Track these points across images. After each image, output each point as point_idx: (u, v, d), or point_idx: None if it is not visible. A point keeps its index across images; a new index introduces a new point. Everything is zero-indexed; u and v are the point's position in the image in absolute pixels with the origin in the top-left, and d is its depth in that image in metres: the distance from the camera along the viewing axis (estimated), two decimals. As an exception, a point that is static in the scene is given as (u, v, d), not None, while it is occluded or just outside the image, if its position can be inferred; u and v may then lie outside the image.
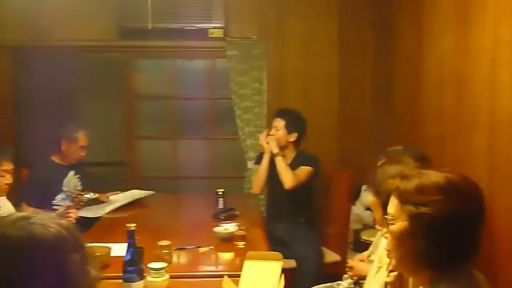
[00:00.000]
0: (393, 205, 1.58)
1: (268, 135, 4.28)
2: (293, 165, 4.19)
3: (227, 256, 3.10)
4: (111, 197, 4.27)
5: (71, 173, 4.21)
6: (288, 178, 4.09)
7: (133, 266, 2.30)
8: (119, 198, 4.25)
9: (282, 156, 4.18)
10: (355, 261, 2.99)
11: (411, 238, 1.53)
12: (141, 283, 2.31)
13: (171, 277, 2.55)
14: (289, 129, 4.25)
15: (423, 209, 1.50)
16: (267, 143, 4.25)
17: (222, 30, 4.95)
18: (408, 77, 4.34)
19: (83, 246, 1.22)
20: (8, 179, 3.30)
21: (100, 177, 5.07)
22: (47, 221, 1.18)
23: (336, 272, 3.69)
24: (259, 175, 4.33)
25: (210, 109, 5.35)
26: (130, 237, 2.31)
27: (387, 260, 2.21)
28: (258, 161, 4.43)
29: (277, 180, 4.16)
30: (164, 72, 5.40)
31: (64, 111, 5.11)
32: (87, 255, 1.22)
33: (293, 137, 4.26)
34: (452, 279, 1.50)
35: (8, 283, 1.10)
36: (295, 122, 4.28)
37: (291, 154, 4.27)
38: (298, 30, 5.05)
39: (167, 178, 5.38)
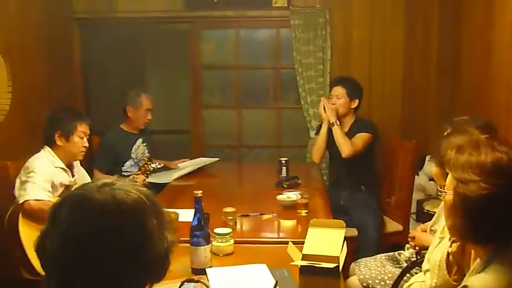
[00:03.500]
0: (448, 177, 1.60)
1: (328, 103, 4.28)
2: (351, 131, 4.22)
3: (289, 223, 3.16)
4: (179, 165, 4.40)
5: (140, 140, 4.36)
6: (345, 146, 4.11)
7: (200, 230, 2.39)
8: (186, 165, 4.37)
9: (338, 125, 4.19)
10: (417, 232, 2.99)
11: (455, 212, 1.56)
12: (208, 247, 2.40)
13: (236, 242, 2.64)
14: (351, 96, 4.26)
15: (461, 187, 1.52)
16: (325, 111, 4.26)
17: (286, -1, 4.95)
18: (477, 44, 4.22)
19: (161, 212, 1.31)
20: (85, 142, 3.44)
21: (165, 145, 5.23)
22: (128, 187, 1.28)
23: (398, 241, 3.71)
24: (317, 144, 4.39)
25: (273, 78, 5.39)
26: (197, 203, 2.40)
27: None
28: (318, 131, 4.47)
29: (336, 148, 4.18)
30: (229, 42, 5.45)
31: (132, 81, 5.27)
32: (165, 221, 1.31)
33: (355, 103, 4.28)
34: (505, 256, 1.50)
35: (92, 242, 1.20)
36: (355, 88, 4.29)
37: (350, 120, 4.29)
38: (363, -2, 4.99)
39: (231, 147, 5.48)
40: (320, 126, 4.44)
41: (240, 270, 2.35)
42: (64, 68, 4.99)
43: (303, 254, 1.49)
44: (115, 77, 5.25)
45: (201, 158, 4.56)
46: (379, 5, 4.98)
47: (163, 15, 5.14)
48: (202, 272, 2.34)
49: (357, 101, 4.28)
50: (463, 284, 1.51)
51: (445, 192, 1.61)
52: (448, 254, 2.17)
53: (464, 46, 4.56)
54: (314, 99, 4.99)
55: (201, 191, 2.43)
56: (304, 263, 1.44)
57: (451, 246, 2.17)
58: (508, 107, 3.48)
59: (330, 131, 4.26)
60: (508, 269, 1.47)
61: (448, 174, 1.70)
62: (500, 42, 3.71)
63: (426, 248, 2.60)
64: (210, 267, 2.38)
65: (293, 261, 1.54)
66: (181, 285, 1.89)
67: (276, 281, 1.58)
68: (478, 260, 1.59)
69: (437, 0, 4.93)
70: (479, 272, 1.53)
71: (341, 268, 1.47)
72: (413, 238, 2.96)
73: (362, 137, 4.17)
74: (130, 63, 5.38)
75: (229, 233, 2.61)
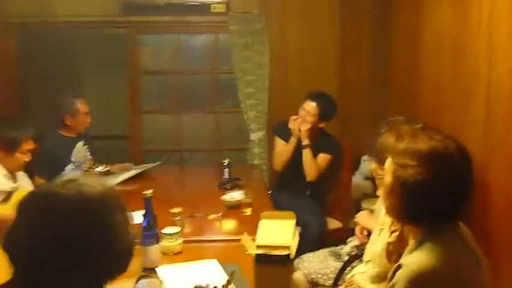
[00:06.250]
0: (388, 161, 1.72)
1: (301, 120, 4.21)
2: (314, 146, 4.21)
3: (234, 222, 3.25)
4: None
5: (80, 143, 4.33)
6: (312, 171, 4.16)
7: (150, 231, 2.43)
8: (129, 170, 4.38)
9: (310, 148, 4.18)
10: (361, 215, 3.14)
11: (392, 193, 1.69)
12: (158, 246, 2.45)
13: (183, 242, 2.71)
14: (323, 117, 4.21)
15: (400, 171, 1.65)
16: (299, 130, 4.21)
17: (224, 5, 5.03)
18: (406, 48, 4.43)
19: (124, 206, 1.35)
20: (28, 157, 3.43)
21: (105, 150, 5.20)
22: (93, 182, 1.31)
23: (339, 237, 3.84)
24: (284, 155, 4.31)
25: (213, 83, 5.45)
26: (146, 204, 2.45)
27: (389, 222, 2.36)
28: (279, 132, 4.42)
29: (294, 157, 4.23)
30: (168, 47, 5.47)
31: (70, 86, 5.21)
32: (128, 215, 1.35)
33: (323, 124, 4.24)
34: (437, 236, 1.64)
35: (60, 237, 1.23)
36: (330, 110, 4.23)
37: (313, 133, 4.26)
38: (299, 3, 5.12)
39: (171, 151, 5.50)
40: (281, 125, 4.40)
41: (190, 267, 2.41)
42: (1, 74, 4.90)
43: (257, 245, 1.57)
44: (52, 82, 5.18)
45: (145, 165, 4.56)
46: (315, 9, 5.12)
47: (100, 20, 5.10)
48: (153, 271, 2.38)
49: (325, 123, 4.24)
50: (398, 263, 1.64)
51: (384, 174, 1.73)
52: (388, 243, 2.31)
53: (395, 51, 4.78)
54: (253, 102, 5.09)
55: (151, 191, 2.48)
56: (259, 251, 1.52)
57: (390, 236, 2.32)
58: (438, 110, 3.68)
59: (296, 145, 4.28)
60: (439, 247, 1.60)
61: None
62: (427, 48, 3.93)
63: (368, 235, 2.75)
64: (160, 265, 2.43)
65: (248, 251, 1.62)
66: (137, 281, 1.94)
67: (231, 273, 1.66)
68: (413, 240, 1.72)
69: (369, 8, 5.13)
70: (413, 251, 1.67)
71: (293, 255, 1.56)
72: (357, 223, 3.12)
73: (325, 159, 4.21)
74: (68, 68, 5.32)
75: (177, 232, 2.67)
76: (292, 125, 4.24)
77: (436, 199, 1.62)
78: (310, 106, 4.19)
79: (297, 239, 1.66)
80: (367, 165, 4.93)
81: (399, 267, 1.61)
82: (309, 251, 3.38)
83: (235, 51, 5.04)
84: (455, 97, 3.41)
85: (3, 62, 5.01)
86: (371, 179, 4.85)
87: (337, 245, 3.36)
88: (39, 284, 1.25)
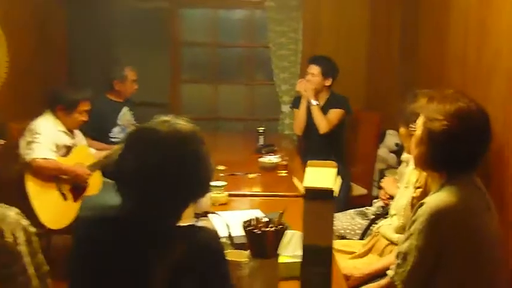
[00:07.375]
0: (420, 117, 2.06)
1: (306, 84, 4.60)
2: (326, 107, 4.57)
3: (272, 181, 3.58)
4: None
5: (125, 108, 4.68)
6: (323, 125, 4.49)
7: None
8: None
9: (317, 104, 4.55)
10: (386, 181, 3.45)
11: (421, 143, 2.03)
12: (208, 195, 2.78)
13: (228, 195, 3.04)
14: (325, 74, 4.59)
15: (429, 124, 1.99)
16: (305, 91, 4.59)
17: (261, -19, 5.29)
18: (434, 26, 4.62)
19: (204, 141, 1.66)
20: (85, 116, 3.82)
21: (146, 116, 5.52)
22: (182, 121, 1.62)
23: (363, 203, 4.14)
24: (299, 119, 4.71)
25: (248, 56, 5.76)
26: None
27: (413, 180, 2.66)
28: (295, 105, 4.81)
29: (312, 121, 4.57)
30: (207, 21, 5.78)
31: (114, 56, 5.53)
32: (207, 149, 1.66)
33: (329, 81, 4.61)
34: (455, 182, 1.98)
35: (162, 164, 1.54)
36: (330, 67, 4.62)
37: (325, 96, 4.64)
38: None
39: (208, 119, 5.83)
40: (296, 99, 4.82)
41: (237, 214, 2.74)
42: (51, 41, 5.22)
43: (304, 186, 1.87)
44: (99, 53, 5.50)
45: None
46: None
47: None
48: (204, 215, 2.71)
49: (330, 80, 4.61)
50: (420, 202, 1.98)
51: (416, 128, 2.08)
52: (413, 198, 2.61)
53: (423, 29, 4.97)
54: (286, 76, 5.37)
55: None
56: (308, 187, 1.84)
57: (415, 192, 2.62)
58: (462, 86, 3.92)
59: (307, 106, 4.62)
60: (456, 189, 1.95)
61: (411, 135, 2.16)
62: (454, 27, 4.15)
63: (392, 198, 3.06)
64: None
65: (300, 190, 1.94)
66: (197, 219, 2.27)
67: (283, 210, 1.97)
68: (435, 187, 2.05)
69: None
70: (434, 194, 2.02)
71: (336, 194, 1.87)
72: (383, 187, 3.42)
73: (335, 113, 4.54)
74: (113, 39, 5.63)
75: (224, 185, 3.00)
76: (299, 87, 4.67)
77: (457, 149, 1.96)
78: (313, 68, 4.60)
79: (339, 183, 1.96)
80: (392, 138, 5.21)
81: (421, 205, 1.94)
82: (337, 211, 3.69)
83: (270, 27, 5.31)
84: (479, 74, 3.65)
85: (53, 34, 5.31)
86: (395, 151, 5.14)
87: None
88: (142, 205, 1.55)
